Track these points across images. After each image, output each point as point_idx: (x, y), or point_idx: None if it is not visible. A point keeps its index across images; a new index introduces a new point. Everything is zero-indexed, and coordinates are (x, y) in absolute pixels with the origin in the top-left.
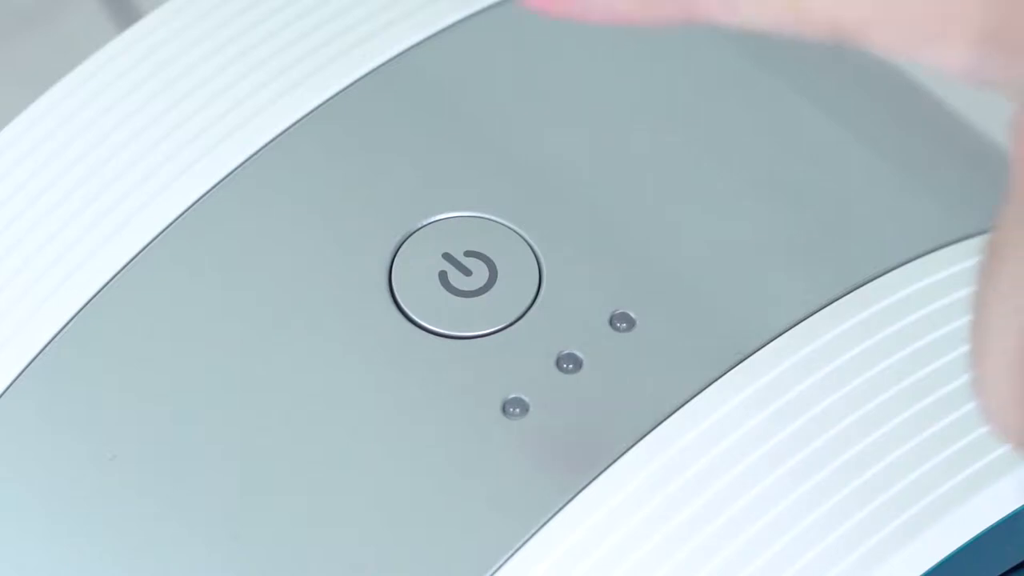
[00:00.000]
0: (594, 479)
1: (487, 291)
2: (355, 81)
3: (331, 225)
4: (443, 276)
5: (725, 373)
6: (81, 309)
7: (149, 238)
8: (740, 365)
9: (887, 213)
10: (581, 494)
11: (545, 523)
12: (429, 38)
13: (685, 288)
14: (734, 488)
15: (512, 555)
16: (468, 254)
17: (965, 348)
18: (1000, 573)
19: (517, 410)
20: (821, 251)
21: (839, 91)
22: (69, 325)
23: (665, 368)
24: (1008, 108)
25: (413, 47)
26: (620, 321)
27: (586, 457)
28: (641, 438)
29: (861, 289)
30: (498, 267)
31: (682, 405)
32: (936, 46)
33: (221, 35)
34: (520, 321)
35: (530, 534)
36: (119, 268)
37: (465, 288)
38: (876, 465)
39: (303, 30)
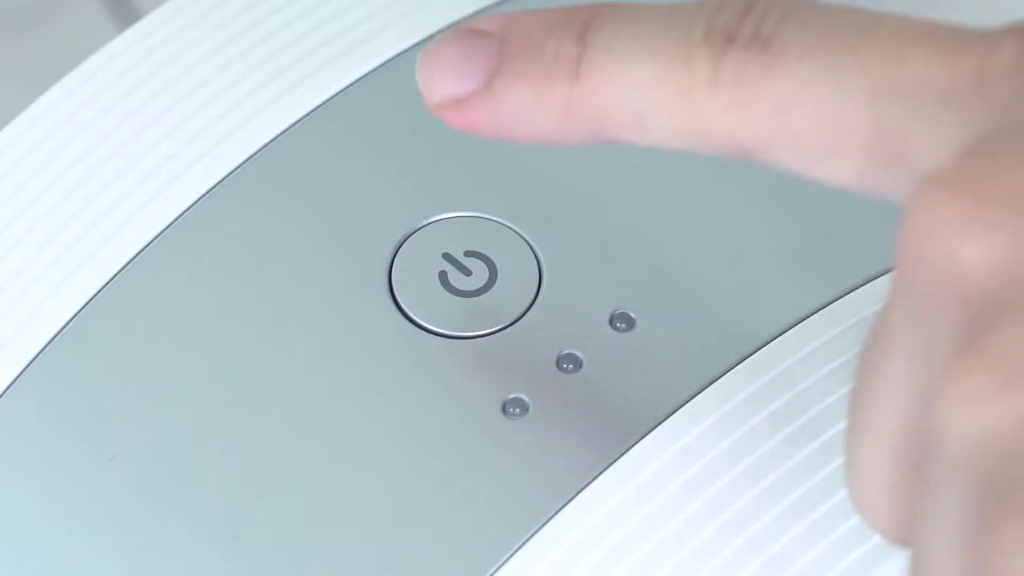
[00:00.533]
0: (594, 479)
1: (487, 291)
2: (355, 81)
3: (331, 225)
4: (443, 276)
5: (725, 373)
6: (81, 309)
7: (149, 238)
8: (740, 365)
9: (888, 214)
10: (581, 494)
11: (545, 523)
12: (429, 38)
13: (685, 288)
14: (735, 488)
15: (512, 555)
16: (468, 254)
17: None
18: None
19: (517, 410)
20: (821, 251)
21: None
22: (69, 325)
23: (665, 368)
24: None
25: (413, 47)
26: (620, 321)
27: (586, 457)
28: (641, 438)
29: (861, 289)
30: (498, 267)
31: (682, 405)
32: (829, 162)
33: (221, 35)
34: (520, 321)
35: (530, 534)
36: (119, 268)
37: (465, 288)
38: None
39: (303, 30)
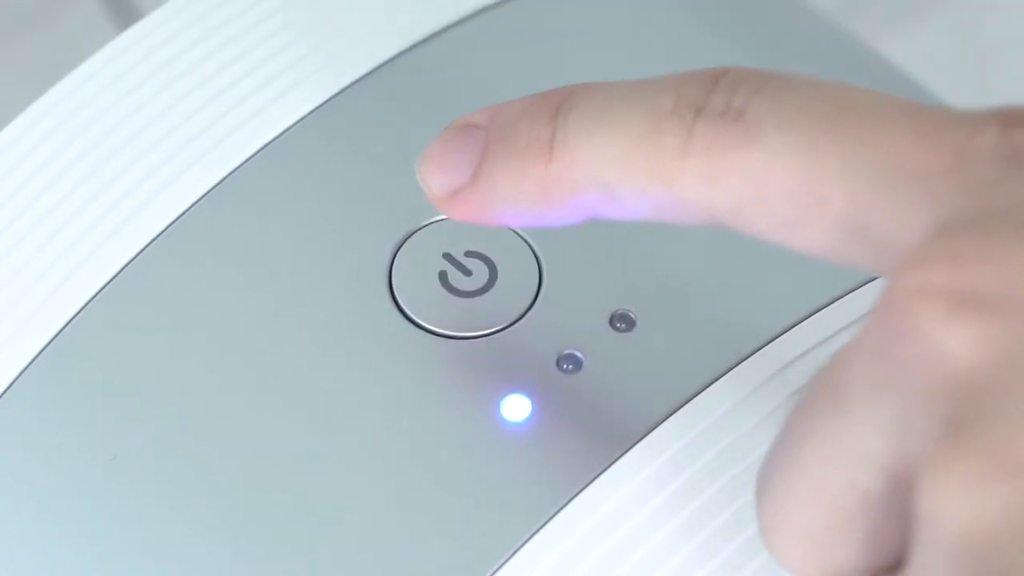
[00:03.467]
0: (594, 479)
1: (487, 291)
2: (355, 81)
3: (331, 225)
4: (443, 276)
5: (725, 373)
6: (81, 309)
7: (149, 238)
8: (740, 365)
9: None
10: (581, 494)
11: (545, 524)
12: (429, 38)
13: (685, 288)
14: (735, 488)
15: (512, 556)
16: (468, 254)
17: None
18: None
19: None
20: None
21: None
22: (69, 325)
23: (665, 368)
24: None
25: (413, 47)
26: (620, 321)
27: (587, 457)
28: (642, 438)
29: (862, 288)
30: (498, 267)
31: (682, 405)
32: (801, 232)
33: (221, 35)
34: (520, 321)
35: (530, 535)
36: (119, 268)
37: (465, 288)
38: None
39: (303, 30)
